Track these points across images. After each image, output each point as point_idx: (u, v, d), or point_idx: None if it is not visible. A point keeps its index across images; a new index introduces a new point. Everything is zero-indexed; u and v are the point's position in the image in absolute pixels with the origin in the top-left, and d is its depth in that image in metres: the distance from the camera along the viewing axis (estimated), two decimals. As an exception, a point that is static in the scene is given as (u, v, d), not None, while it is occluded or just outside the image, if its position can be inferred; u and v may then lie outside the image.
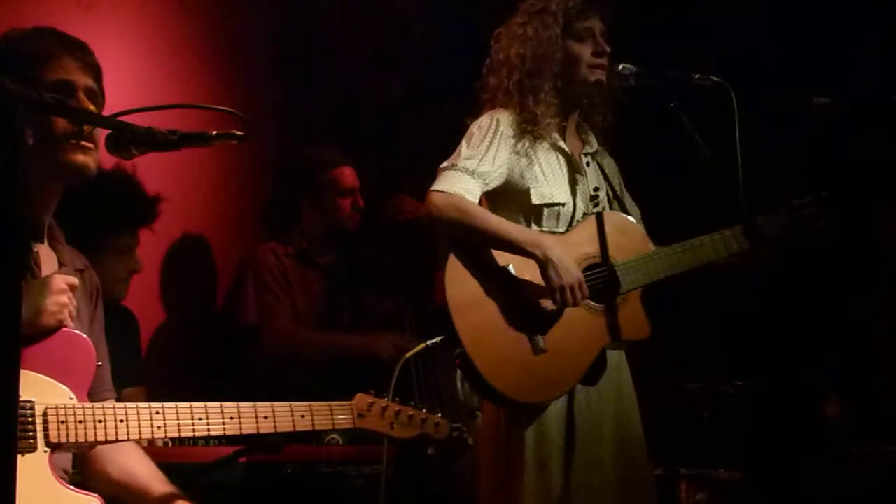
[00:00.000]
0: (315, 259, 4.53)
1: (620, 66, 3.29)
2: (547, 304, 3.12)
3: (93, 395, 2.39)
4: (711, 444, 3.93)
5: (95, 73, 2.43)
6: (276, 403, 2.45)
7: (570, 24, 3.27)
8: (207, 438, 3.45)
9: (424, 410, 2.68)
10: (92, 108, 2.37)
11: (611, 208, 3.36)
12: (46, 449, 2.23)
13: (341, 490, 3.55)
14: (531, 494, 3.10)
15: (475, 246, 3.15)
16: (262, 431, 2.44)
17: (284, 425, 2.46)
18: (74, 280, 2.32)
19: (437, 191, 3.14)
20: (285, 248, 4.49)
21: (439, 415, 2.70)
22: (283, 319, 4.37)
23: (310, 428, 2.49)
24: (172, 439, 3.49)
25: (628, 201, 3.45)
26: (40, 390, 2.23)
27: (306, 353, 4.34)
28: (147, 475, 2.50)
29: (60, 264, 2.41)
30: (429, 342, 3.06)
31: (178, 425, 2.36)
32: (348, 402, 2.57)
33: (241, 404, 2.42)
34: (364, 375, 2.65)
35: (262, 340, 4.34)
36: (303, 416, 2.47)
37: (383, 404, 2.61)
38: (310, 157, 4.57)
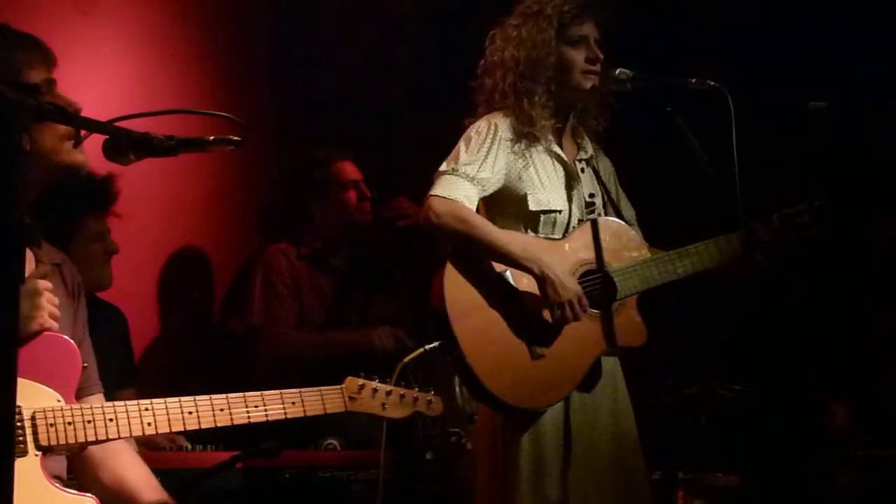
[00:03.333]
0: (327, 261, 4.53)
1: (617, 71, 3.29)
2: (546, 317, 3.12)
3: (81, 392, 2.39)
4: (709, 448, 3.93)
5: (54, 63, 2.43)
6: (265, 392, 2.44)
7: (565, 28, 3.26)
8: (204, 443, 3.47)
9: (416, 389, 2.67)
10: (66, 98, 2.35)
11: (606, 214, 3.36)
12: (37, 453, 2.23)
13: (339, 495, 3.55)
14: (528, 499, 3.10)
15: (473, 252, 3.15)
16: (252, 420, 2.42)
17: (275, 413, 2.44)
18: (47, 283, 2.32)
19: (437, 196, 3.13)
20: (297, 250, 4.49)
21: (432, 392, 2.69)
22: (283, 324, 4.37)
23: (301, 414, 2.47)
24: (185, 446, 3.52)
25: (623, 203, 3.45)
26: (27, 395, 2.22)
27: (303, 355, 4.34)
28: (138, 480, 2.48)
29: (38, 261, 2.40)
30: (427, 347, 3.06)
31: (168, 420, 2.35)
32: (338, 386, 2.55)
33: (231, 395, 2.41)
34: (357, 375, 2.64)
35: (260, 343, 4.35)
36: (293, 403, 2.46)
37: (374, 386, 2.60)
38: (308, 158, 4.58)
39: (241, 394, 2.42)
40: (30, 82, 2.31)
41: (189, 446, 3.55)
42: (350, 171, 4.55)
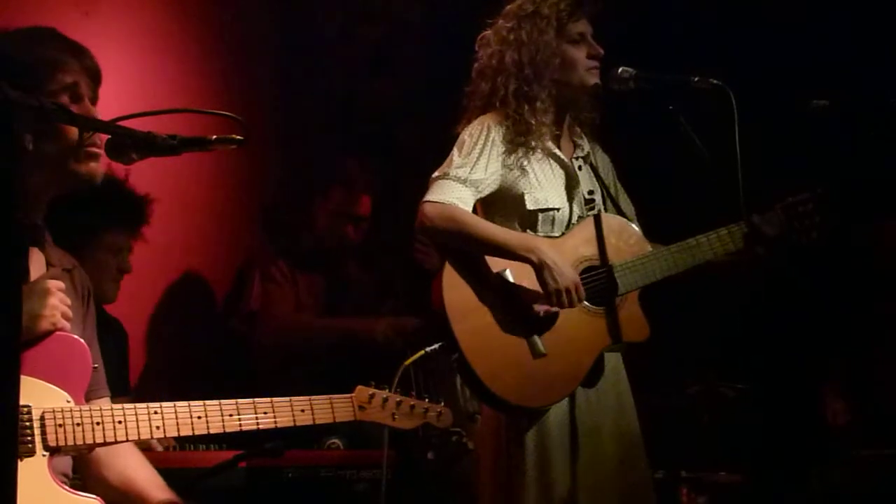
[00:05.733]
0: (322, 261, 4.54)
1: (620, 69, 3.28)
2: (544, 307, 3.12)
3: (88, 395, 2.39)
4: (712, 447, 3.93)
5: (98, 79, 2.44)
6: (275, 399, 2.44)
7: (563, 27, 3.26)
8: (208, 442, 3.46)
9: (426, 400, 2.67)
10: (96, 114, 2.36)
11: (605, 210, 3.35)
12: (45, 453, 2.23)
13: (341, 494, 3.55)
14: (533, 498, 3.10)
15: (471, 252, 3.15)
16: (261, 427, 2.42)
17: (284, 420, 2.44)
18: (60, 283, 2.32)
19: (429, 201, 3.13)
20: (293, 248, 4.50)
21: (441, 404, 2.69)
22: (282, 306, 4.40)
23: (310, 422, 2.47)
24: (174, 446, 3.52)
25: (623, 200, 3.45)
26: (37, 394, 2.22)
27: (304, 339, 4.35)
28: (145, 480, 2.49)
29: (49, 265, 2.40)
30: (427, 349, 3.06)
31: (177, 424, 2.35)
32: (348, 395, 2.55)
33: (240, 401, 2.41)
34: (364, 376, 2.64)
35: (262, 327, 4.36)
36: (303, 411, 2.46)
37: (384, 396, 2.60)
38: (336, 172, 4.59)
39: (250, 399, 2.42)
40: (58, 84, 2.31)
41: (177, 446, 3.55)
42: (365, 208, 4.59)
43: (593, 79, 3.27)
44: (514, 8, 3.28)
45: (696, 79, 3.23)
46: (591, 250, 3.24)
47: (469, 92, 3.31)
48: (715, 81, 3.20)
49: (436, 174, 3.19)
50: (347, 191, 4.56)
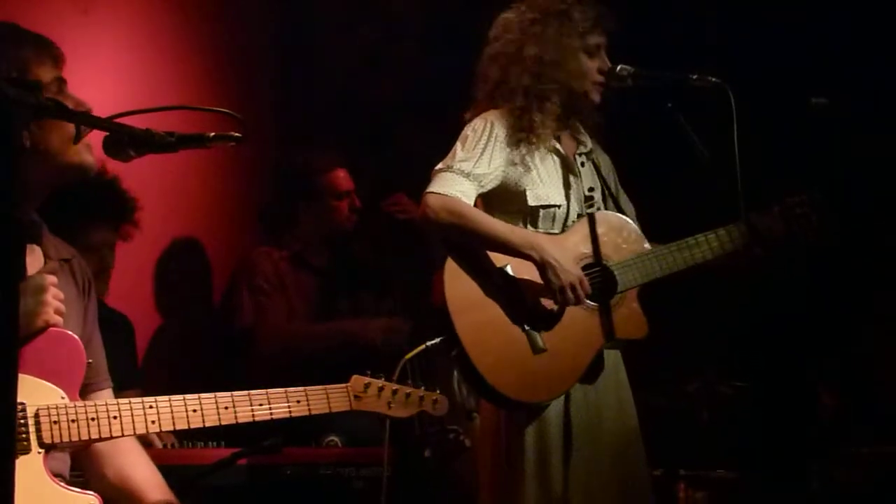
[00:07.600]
0: (309, 261, 4.53)
1: (618, 67, 3.29)
2: (548, 303, 3.12)
3: (89, 388, 2.39)
4: (710, 444, 3.93)
5: (62, 62, 2.43)
6: (270, 390, 2.43)
7: (585, 36, 3.25)
8: (207, 440, 3.47)
9: (422, 388, 2.67)
10: (87, 105, 2.36)
11: (605, 208, 3.36)
12: (40, 450, 2.23)
13: (340, 492, 3.55)
14: (532, 494, 3.10)
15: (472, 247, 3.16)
16: (257, 418, 2.41)
17: (280, 411, 2.43)
18: (53, 278, 2.31)
19: (432, 193, 3.14)
20: (279, 252, 4.49)
21: (437, 391, 2.69)
22: (276, 317, 4.37)
23: (306, 412, 2.46)
24: (173, 443, 3.53)
25: (623, 199, 3.45)
26: (31, 392, 2.22)
27: (301, 346, 4.33)
28: (143, 480, 2.47)
29: (46, 257, 2.40)
30: (429, 343, 3.06)
31: (173, 418, 2.35)
32: (344, 385, 2.55)
33: (235, 393, 2.40)
34: (361, 371, 2.64)
35: (257, 340, 4.34)
36: (298, 402, 2.45)
37: (380, 385, 2.59)
38: (303, 162, 4.57)
39: (245, 392, 2.41)
40: (39, 80, 2.31)
41: (177, 443, 3.55)
42: (344, 180, 4.55)
43: (597, 96, 3.27)
44: (542, 1, 3.27)
45: (695, 76, 3.24)
46: (590, 248, 3.24)
47: (479, 74, 3.30)
48: (713, 79, 3.20)
49: (439, 166, 3.19)
50: (324, 174, 4.52)
